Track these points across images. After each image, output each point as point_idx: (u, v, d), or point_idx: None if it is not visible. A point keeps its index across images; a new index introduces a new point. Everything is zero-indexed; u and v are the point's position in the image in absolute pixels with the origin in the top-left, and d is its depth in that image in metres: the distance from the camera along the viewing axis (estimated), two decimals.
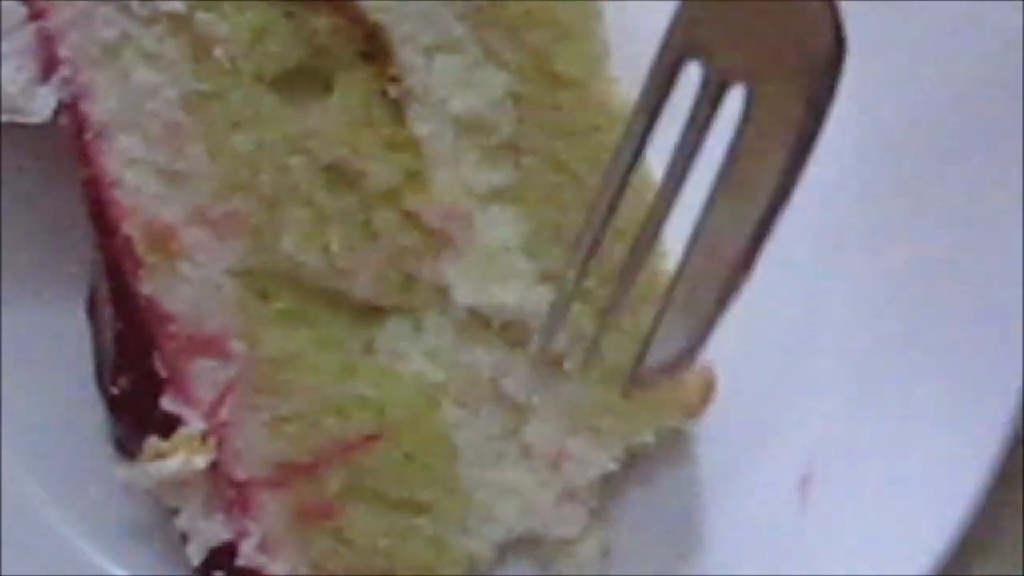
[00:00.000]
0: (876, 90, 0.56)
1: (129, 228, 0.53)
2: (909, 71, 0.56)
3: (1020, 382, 0.54)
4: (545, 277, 0.53)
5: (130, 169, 0.53)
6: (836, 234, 0.57)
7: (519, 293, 0.53)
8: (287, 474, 0.54)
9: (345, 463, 0.54)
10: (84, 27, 0.52)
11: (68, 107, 0.52)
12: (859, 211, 0.57)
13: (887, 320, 0.57)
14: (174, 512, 0.55)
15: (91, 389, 0.55)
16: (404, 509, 0.55)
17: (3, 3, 0.51)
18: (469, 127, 0.53)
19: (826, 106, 0.43)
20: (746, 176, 0.44)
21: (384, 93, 0.52)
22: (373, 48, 0.52)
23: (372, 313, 0.55)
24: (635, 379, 0.49)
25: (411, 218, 0.53)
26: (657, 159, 0.46)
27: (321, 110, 0.53)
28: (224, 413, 0.54)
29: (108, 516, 0.58)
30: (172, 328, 0.53)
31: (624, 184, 0.46)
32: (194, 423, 0.54)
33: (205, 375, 0.54)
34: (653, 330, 0.47)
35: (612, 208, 0.47)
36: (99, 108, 0.52)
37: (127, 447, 0.55)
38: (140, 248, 0.53)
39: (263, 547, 0.55)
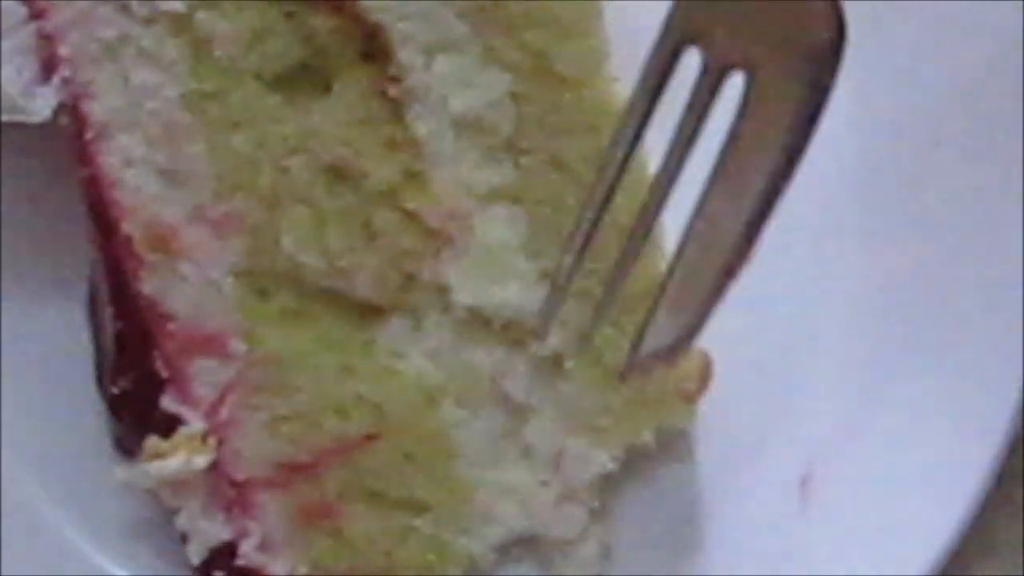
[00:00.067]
0: (876, 89, 0.56)
1: (129, 228, 0.53)
2: (909, 71, 0.56)
3: (1020, 382, 0.54)
4: (545, 277, 0.53)
5: (130, 169, 0.53)
6: (836, 234, 0.57)
7: (519, 293, 0.53)
8: (287, 474, 0.54)
9: (345, 463, 0.54)
10: (84, 27, 0.52)
11: (68, 107, 0.52)
12: (859, 211, 0.57)
13: (887, 320, 0.57)
14: (174, 512, 0.55)
15: (91, 389, 0.55)
16: (404, 509, 0.55)
17: (3, 3, 0.51)
18: (469, 127, 0.53)
19: (826, 93, 0.43)
20: (744, 163, 0.44)
21: (384, 93, 0.52)
22: (373, 48, 0.52)
23: (372, 313, 0.54)
24: (632, 366, 0.49)
25: (411, 218, 0.53)
26: (657, 147, 0.46)
27: (321, 110, 0.53)
28: (224, 413, 0.54)
29: (108, 516, 0.57)
30: (172, 328, 0.53)
31: (621, 171, 0.46)
32: (194, 423, 0.54)
33: (205, 375, 0.54)
34: (649, 316, 0.47)
35: (608, 197, 0.46)
36: (99, 108, 0.52)
37: (127, 447, 0.55)
38: (140, 248, 0.53)
39: (263, 547, 0.55)
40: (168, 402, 0.54)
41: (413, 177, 0.53)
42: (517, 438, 0.55)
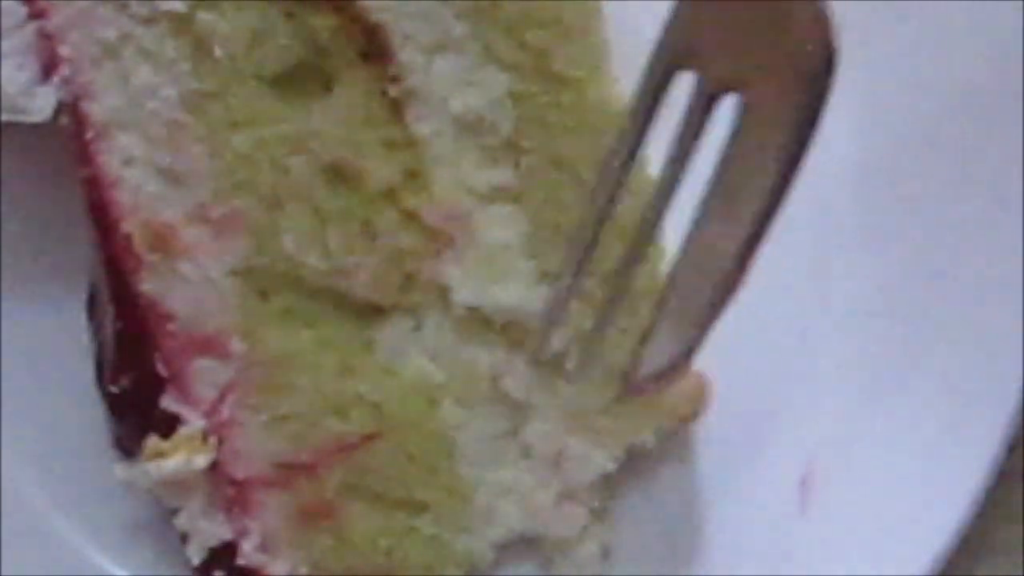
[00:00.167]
0: (876, 89, 0.56)
1: (129, 227, 0.53)
2: (909, 71, 0.56)
3: (1020, 382, 0.54)
4: (545, 277, 0.53)
5: (130, 169, 0.53)
6: (836, 234, 0.57)
7: (519, 293, 0.53)
8: (287, 474, 0.54)
9: (345, 463, 0.54)
10: (84, 27, 0.52)
11: (68, 107, 0.52)
12: (859, 211, 0.57)
13: (887, 320, 0.57)
14: (174, 512, 0.55)
15: (91, 389, 0.55)
16: (404, 509, 0.55)
17: (3, 3, 0.51)
18: (469, 127, 0.53)
19: (818, 116, 0.43)
20: (738, 184, 0.44)
21: (384, 93, 0.53)
22: (373, 48, 0.52)
23: (372, 313, 0.54)
24: (630, 387, 0.49)
25: (411, 218, 0.53)
26: (659, 156, 0.46)
27: (321, 110, 0.53)
28: (224, 413, 0.54)
29: (108, 516, 0.58)
30: (172, 328, 0.53)
31: (615, 193, 0.46)
32: (194, 423, 0.54)
33: (205, 375, 0.54)
34: (646, 338, 0.47)
35: (604, 217, 0.47)
36: (99, 108, 0.52)
37: (127, 447, 0.55)
38: (140, 247, 0.53)
39: (263, 547, 0.55)
40: (168, 402, 0.54)
41: (413, 177, 0.53)
42: (517, 438, 0.55)
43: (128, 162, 0.52)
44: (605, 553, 0.57)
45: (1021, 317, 0.54)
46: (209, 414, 0.54)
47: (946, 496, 0.54)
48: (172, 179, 0.53)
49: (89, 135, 0.52)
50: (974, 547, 0.55)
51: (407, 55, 0.52)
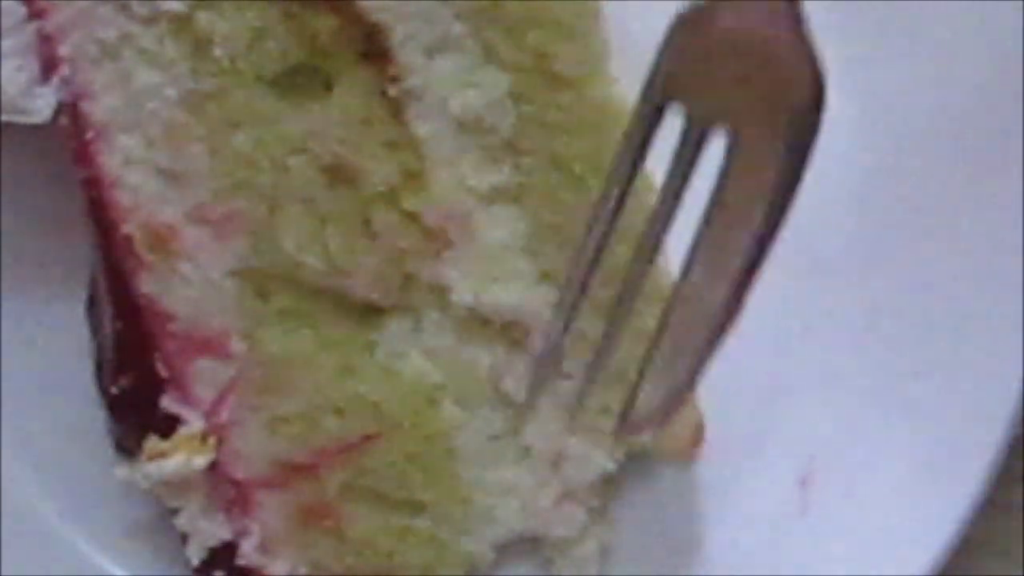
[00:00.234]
0: (876, 93, 0.56)
1: (129, 228, 0.53)
2: (909, 73, 0.56)
3: (1020, 382, 0.54)
4: (545, 277, 0.53)
5: (130, 169, 0.53)
6: (836, 235, 0.57)
7: (519, 293, 0.53)
8: (287, 474, 0.54)
9: (345, 463, 0.54)
10: (84, 27, 0.52)
11: (68, 107, 0.52)
12: (859, 211, 0.57)
13: (887, 320, 0.57)
14: (174, 512, 0.55)
15: (91, 389, 0.55)
16: (404, 509, 0.55)
17: (3, 3, 0.51)
18: (469, 127, 0.53)
19: (807, 152, 0.43)
20: (728, 223, 0.44)
21: (384, 93, 0.53)
22: (373, 48, 0.52)
23: (372, 313, 0.55)
24: (625, 426, 0.49)
25: (411, 218, 0.53)
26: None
27: (321, 110, 0.53)
28: (224, 413, 0.54)
29: (108, 516, 0.58)
30: (172, 328, 0.53)
31: (611, 228, 0.46)
32: (194, 423, 0.54)
33: (205, 375, 0.54)
34: (640, 378, 0.47)
35: (599, 251, 0.47)
36: (99, 108, 0.52)
37: (127, 447, 0.55)
38: (140, 248, 0.53)
39: (263, 547, 0.55)
40: (168, 402, 0.54)
41: (413, 177, 0.53)
42: (517, 438, 0.55)
43: (128, 162, 0.52)
44: (605, 553, 0.57)
45: (1021, 318, 0.54)
46: (209, 414, 0.54)
47: (946, 496, 0.54)
48: (172, 179, 0.53)
49: (89, 135, 0.52)
50: (974, 547, 0.55)
51: (407, 55, 0.52)
